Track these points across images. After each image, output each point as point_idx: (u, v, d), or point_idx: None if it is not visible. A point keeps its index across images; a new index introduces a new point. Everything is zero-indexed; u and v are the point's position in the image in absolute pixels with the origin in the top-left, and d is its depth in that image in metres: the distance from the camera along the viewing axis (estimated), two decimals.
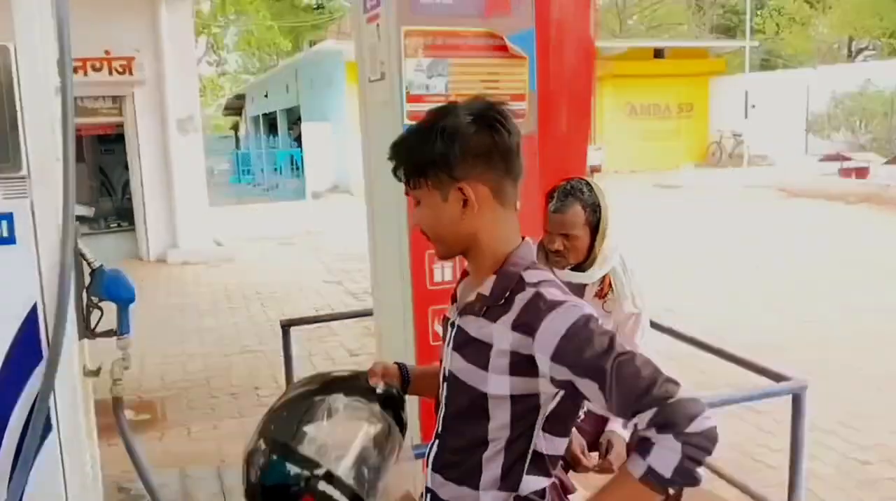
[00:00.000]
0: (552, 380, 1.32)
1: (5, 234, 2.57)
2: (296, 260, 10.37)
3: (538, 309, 1.33)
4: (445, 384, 1.50)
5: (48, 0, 2.64)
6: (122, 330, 2.93)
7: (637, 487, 1.22)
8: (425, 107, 2.87)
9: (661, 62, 24.21)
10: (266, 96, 30.82)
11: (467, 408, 1.42)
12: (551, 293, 1.35)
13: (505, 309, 1.38)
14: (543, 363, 1.31)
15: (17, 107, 2.49)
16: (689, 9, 34.33)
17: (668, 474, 1.20)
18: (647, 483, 1.22)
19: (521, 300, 1.36)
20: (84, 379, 2.89)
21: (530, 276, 1.40)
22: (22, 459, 2.65)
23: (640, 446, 1.23)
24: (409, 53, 2.81)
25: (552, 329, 1.30)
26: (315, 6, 34.52)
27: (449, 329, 1.50)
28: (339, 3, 36.85)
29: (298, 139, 23.43)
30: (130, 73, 9.68)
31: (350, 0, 3.56)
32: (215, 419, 4.75)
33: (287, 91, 26.99)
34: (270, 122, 31.29)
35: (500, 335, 1.36)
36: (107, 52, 9.49)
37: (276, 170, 22.78)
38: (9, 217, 2.56)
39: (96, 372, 2.95)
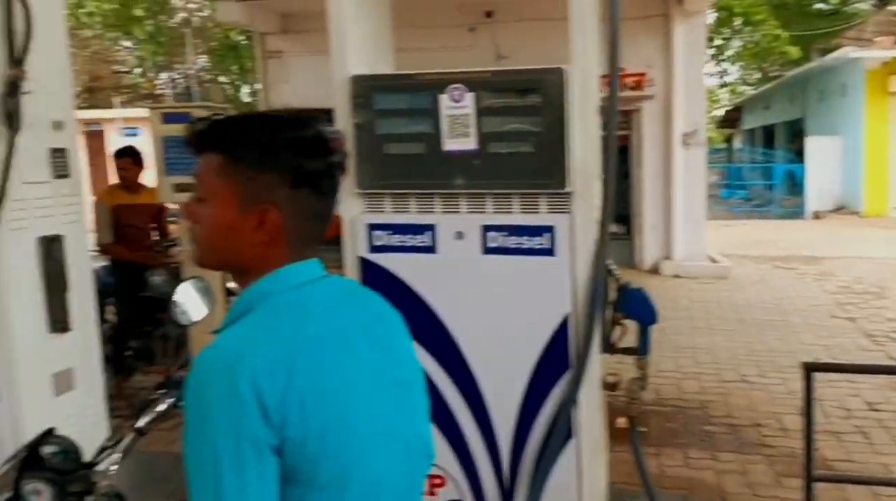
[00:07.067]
0: None
1: (547, 246, 2.69)
2: (796, 287, 9.51)
3: None
4: None
5: (596, 22, 2.70)
6: (642, 350, 2.89)
7: None
8: None
9: None
10: (766, 108, 29.34)
11: None
12: None
13: None
14: None
15: (567, 127, 2.57)
16: None
17: None
18: None
19: None
20: (602, 392, 2.91)
21: None
22: (543, 464, 2.77)
23: None
24: None
25: None
26: (829, 12, 31.65)
27: None
28: (856, 7, 33.17)
29: (798, 153, 21.73)
30: (641, 89, 9.93)
31: None
32: (713, 449, 4.51)
33: (790, 102, 25.27)
34: (768, 135, 29.72)
35: None
36: (622, 69, 9.84)
37: (770, 185, 21.45)
38: (551, 230, 2.67)
39: (613, 387, 2.96)
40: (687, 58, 10.01)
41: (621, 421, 4.04)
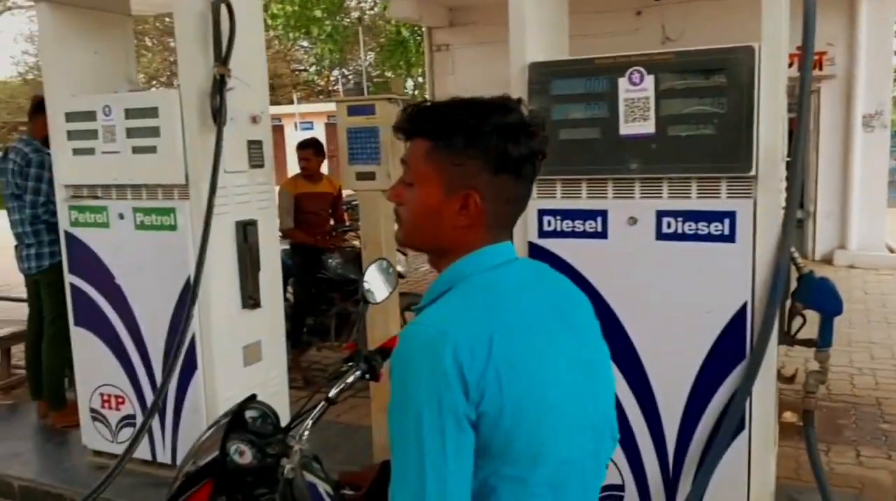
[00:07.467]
0: None
1: (726, 232, 2.62)
2: None
3: None
4: None
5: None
6: (823, 341, 2.75)
7: None
8: None
9: None
10: None
11: None
12: None
13: None
14: None
15: (755, 107, 2.49)
16: None
17: None
18: None
19: None
20: (776, 385, 2.80)
21: None
22: (711, 455, 2.70)
23: None
24: None
25: None
26: None
27: None
28: None
29: None
30: (820, 68, 9.27)
31: None
32: (889, 448, 4.22)
33: None
34: None
35: None
36: (798, 48, 9.26)
37: None
38: (731, 215, 2.60)
39: (791, 380, 2.85)
40: (873, 34, 9.25)
41: (787, 415, 3.86)
